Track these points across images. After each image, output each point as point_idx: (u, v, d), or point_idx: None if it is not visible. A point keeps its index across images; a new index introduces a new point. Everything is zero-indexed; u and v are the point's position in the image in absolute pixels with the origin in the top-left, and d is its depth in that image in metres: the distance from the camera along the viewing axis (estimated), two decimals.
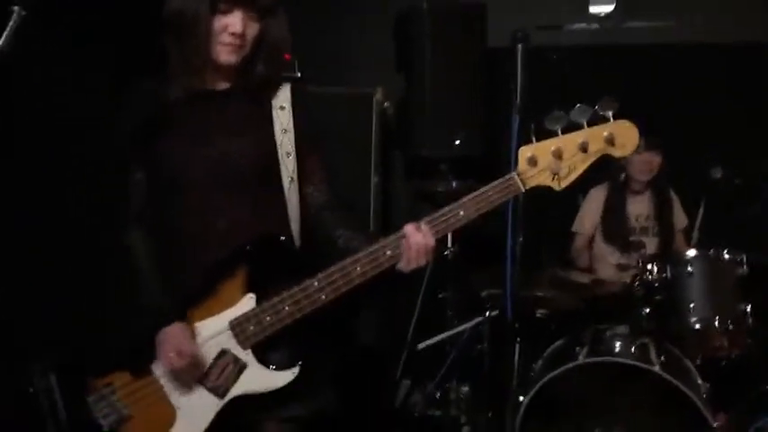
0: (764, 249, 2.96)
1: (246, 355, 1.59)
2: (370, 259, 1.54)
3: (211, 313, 1.61)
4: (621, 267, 3.21)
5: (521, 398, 2.62)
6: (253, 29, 1.61)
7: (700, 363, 2.75)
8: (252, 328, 1.58)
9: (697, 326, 2.76)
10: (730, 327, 2.74)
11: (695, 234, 3.32)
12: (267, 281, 1.58)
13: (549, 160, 1.53)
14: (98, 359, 1.66)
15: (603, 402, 2.57)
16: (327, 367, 1.74)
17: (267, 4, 1.61)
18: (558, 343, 2.93)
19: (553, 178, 1.54)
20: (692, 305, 2.77)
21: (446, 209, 1.55)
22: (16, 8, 1.38)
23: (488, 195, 1.53)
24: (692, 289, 2.79)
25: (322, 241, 1.71)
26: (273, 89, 1.71)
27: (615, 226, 3.42)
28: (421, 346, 3.31)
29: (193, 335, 1.60)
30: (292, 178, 1.68)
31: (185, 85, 1.64)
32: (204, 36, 1.58)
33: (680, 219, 3.51)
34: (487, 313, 3.14)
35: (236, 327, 1.59)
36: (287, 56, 1.75)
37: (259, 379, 1.59)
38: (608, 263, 3.41)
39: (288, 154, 1.67)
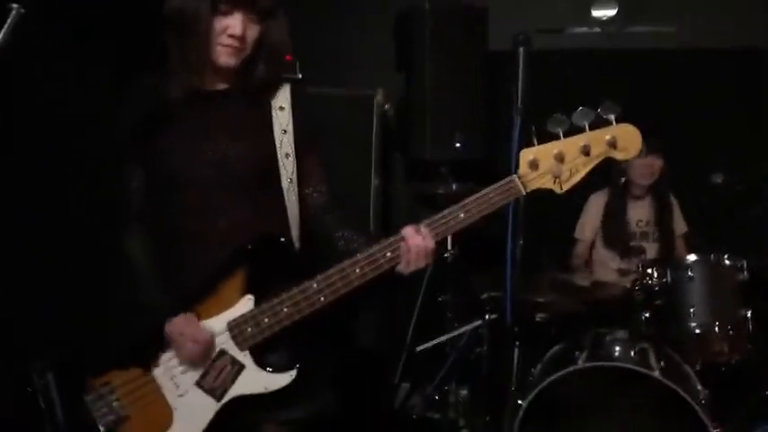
0: (765, 255, 2.95)
1: (244, 357, 1.58)
2: (369, 261, 1.53)
3: (210, 314, 1.60)
4: (622, 272, 3.20)
5: (519, 402, 2.61)
6: (253, 31, 1.61)
7: (699, 368, 2.75)
8: (250, 329, 1.57)
9: (697, 331, 2.76)
10: (730, 332, 2.73)
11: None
12: (266, 282, 1.58)
13: (550, 163, 1.52)
14: (96, 358, 1.65)
15: (603, 407, 2.56)
16: (326, 369, 1.73)
17: (268, 7, 1.61)
18: (557, 347, 2.93)
19: (555, 181, 1.53)
20: (692, 310, 2.77)
21: (446, 211, 1.54)
22: (15, 6, 1.38)
23: (489, 198, 1.53)
24: (692, 294, 2.79)
25: (322, 243, 1.70)
26: (273, 90, 1.70)
27: (615, 231, 3.42)
28: (420, 348, 3.30)
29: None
30: (291, 179, 1.68)
31: (185, 85, 1.64)
32: (204, 36, 1.58)
33: (679, 224, 3.50)
34: (487, 316, 3.14)
35: (235, 328, 1.58)
36: (288, 57, 1.74)
37: (257, 381, 1.58)
38: (608, 268, 3.41)
39: (287, 155, 1.67)
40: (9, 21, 1.38)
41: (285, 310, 1.55)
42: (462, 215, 1.53)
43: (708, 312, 2.75)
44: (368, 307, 3.26)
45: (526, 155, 1.53)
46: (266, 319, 1.56)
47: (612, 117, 1.51)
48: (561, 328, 3.05)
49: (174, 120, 1.65)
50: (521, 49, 2.56)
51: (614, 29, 3.85)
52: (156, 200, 1.68)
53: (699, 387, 2.62)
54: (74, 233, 2.67)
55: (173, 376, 1.61)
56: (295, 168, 1.68)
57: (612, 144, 1.51)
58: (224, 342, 1.58)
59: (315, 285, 1.54)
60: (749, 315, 2.75)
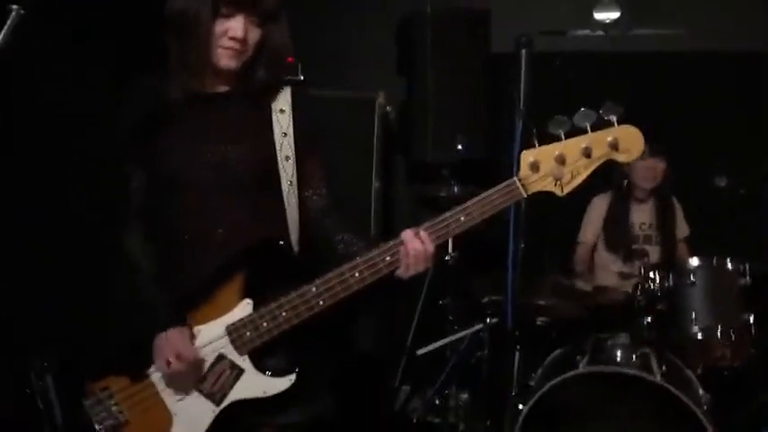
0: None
1: (243, 361, 1.57)
2: (368, 265, 1.52)
3: (208, 318, 1.59)
4: (623, 276, 3.20)
5: (520, 406, 2.60)
6: (254, 34, 1.60)
7: (701, 373, 2.74)
8: (249, 333, 1.56)
9: (699, 336, 2.75)
10: (733, 337, 2.72)
11: None
12: (265, 286, 1.57)
13: (551, 165, 1.50)
14: (96, 361, 1.65)
15: (604, 412, 2.55)
16: (325, 373, 1.73)
17: (269, 10, 1.60)
18: (558, 351, 2.92)
19: (556, 184, 1.51)
20: (694, 315, 2.76)
21: (447, 214, 1.53)
22: (15, 7, 1.37)
23: (490, 200, 1.51)
24: (694, 298, 2.78)
25: (321, 246, 1.69)
26: (273, 93, 1.69)
27: (618, 234, 3.41)
28: (421, 352, 3.29)
29: (192, 338, 1.58)
30: (291, 182, 1.67)
31: (184, 87, 1.63)
32: (204, 38, 1.57)
33: (682, 228, 3.49)
34: (488, 320, 3.13)
35: (233, 332, 1.57)
36: (290, 59, 1.73)
37: (256, 385, 1.57)
38: (610, 271, 3.40)
39: (287, 158, 1.66)
40: (9, 22, 1.37)
41: (284, 314, 1.54)
42: (463, 218, 1.51)
43: (710, 317, 2.74)
44: (367, 311, 3.25)
45: (527, 157, 1.51)
46: (265, 324, 1.55)
47: (614, 118, 1.49)
48: (562, 332, 3.04)
49: (174, 121, 1.64)
50: (523, 51, 2.55)
51: (616, 32, 3.85)
52: (156, 201, 1.67)
53: (701, 392, 2.60)
54: (74, 233, 2.67)
55: (172, 380, 1.59)
56: (295, 171, 1.67)
57: (614, 146, 1.49)
58: (223, 346, 1.58)
59: (314, 290, 1.53)
60: (752, 319, 2.74)
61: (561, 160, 1.50)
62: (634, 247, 3.35)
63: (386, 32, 3.84)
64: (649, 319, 2.77)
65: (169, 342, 1.55)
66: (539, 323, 3.07)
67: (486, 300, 3.15)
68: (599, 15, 3.84)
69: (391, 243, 1.53)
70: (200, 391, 1.58)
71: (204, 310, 1.59)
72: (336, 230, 1.67)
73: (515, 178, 1.52)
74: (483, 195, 1.51)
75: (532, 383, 2.76)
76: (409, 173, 3.94)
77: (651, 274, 2.82)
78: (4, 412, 1.97)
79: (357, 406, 2.83)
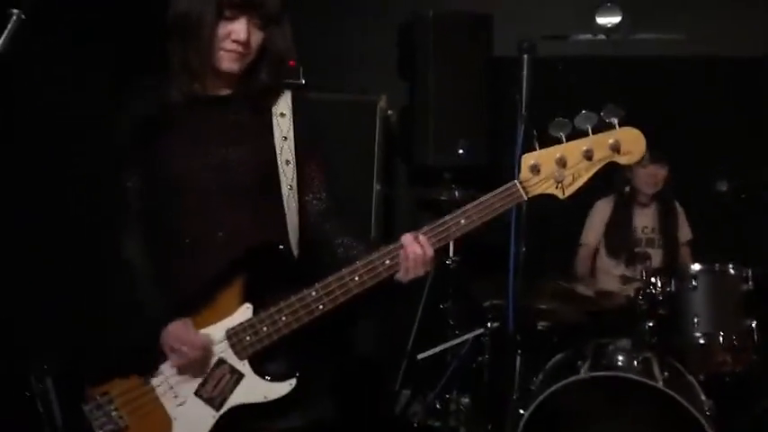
0: None
1: (243, 366, 1.57)
2: (368, 269, 1.52)
3: (208, 323, 1.59)
4: (625, 280, 3.19)
5: (521, 411, 2.59)
6: (257, 36, 1.59)
7: (703, 378, 2.72)
8: (248, 338, 1.55)
9: (701, 341, 2.74)
10: (735, 342, 2.71)
11: None
12: (265, 290, 1.56)
13: (552, 168, 1.50)
14: (96, 366, 1.64)
15: (605, 417, 2.54)
16: (325, 377, 1.72)
17: (272, 13, 1.59)
18: (559, 356, 2.91)
19: (557, 186, 1.51)
20: (695, 320, 2.75)
21: (447, 217, 1.52)
22: (15, 12, 1.36)
23: (490, 204, 1.51)
24: (696, 303, 2.77)
25: (321, 250, 1.69)
26: (274, 96, 1.69)
27: (620, 239, 3.41)
28: (421, 356, 3.28)
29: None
30: (291, 186, 1.66)
31: (185, 89, 1.62)
32: (207, 40, 1.56)
33: (684, 232, 3.49)
34: (489, 324, 3.12)
35: (233, 337, 1.56)
36: (292, 62, 1.73)
37: (256, 390, 1.57)
38: (611, 275, 3.39)
39: (287, 162, 1.66)
40: (9, 27, 1.37)
41: (284, 318, 1.53)
42: (463, 221, 1.50)
43: (712, 322, 2.73)
44: (367, 316, 3.25)
45: (527, 159, 1.50)
46: (265, 328, 1.54)
47: (615, 121, 1.48)
48: (564, 336, 3.03)
49: (175, 124, 1.63)
50: (525, 55, 2.55)
51: (618, 36, 3.85)
52: (156, 203, 1.67)
53: (703, 398, 2.59)
54: (74, 235, 2.67)
55: (171, 386, 1.59)
56: (295, 175, 1.66)
57: (616, 148, 1.48)
58: (222, 351, 1.57)
59: (313, 294, 1.52)
60: (754, 325, 2.73)
61: (562, 163, 1.49)
62: (636, 250, 3.35)
63: (388, 36, 3.84)
64: (651, 324, 2.77)
65: (175, 335, 1.55)
66: (540, 327, 3.07)
67: (487, 304, 3.14)
68: (601, 20, 3.84)
69: (391, 247, 1.52)
70: (200, 396, 1.58)
71: (204, 315, 1.59)
72: (336, 234, 1.67)
73: (516, 181, 1.51)
74: (484, 198, 1.51)
75: (533, 388, 2.75)
76: (410, 176, 3.93)
77: (653, 279, 2.81)
78: (5, 415, 1.97)
79: (358, 410, 2.82)
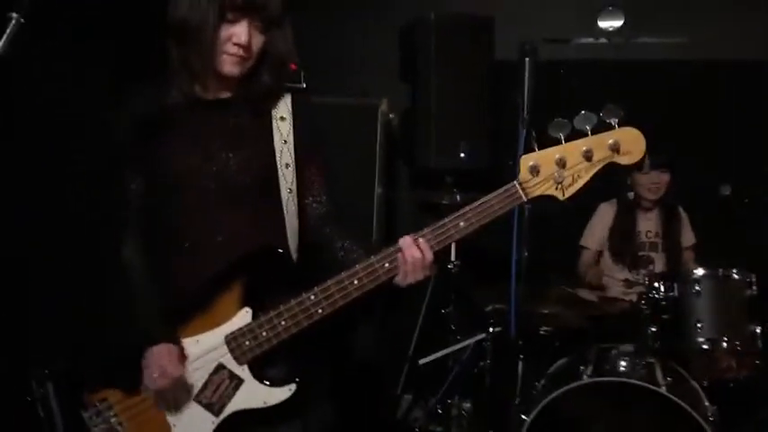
0: None
1: (243, 371, 1.56)
2: (367, 273, 1.50)
3: (207, 328, 1.57)
4: (628, 284, 3.17)
5: (523, 416, 2.57)
6: (258, 39, 1.58)
7: (707, 384, 2.70)
8: (248, 343, 1.54)
9: (704, 346, 2.72)
10: (739, 348, 2.69)
11: None
12: (264, 295, 1.56)
13: (552, 169, 1.48)
14: (95, 372, 1.63)
15: (608, 423, 2.52)
16: (325, 382, 1.71)
17: (274, 16, 1.58)
18: (561, 361, 2.89)
19: (557, 188, 1.49)
20: (699, 325, 2.72)
21: (446, 219, 1.51)
22: (15, 15, 1.36)
23: (490, 205, 1.49)
24: (699, 308, 2.75)
25: (321, 254, 1.67)
26: (275, 100, 1.68)
27: (624, 243, 3.39)
28: (423, 361, 3.27)
29: (183, 355, 1.56)
30: (291, 190, 1.65)
31: (186, 89, 1.62)
32: (209, 44, 1.55)
33: (687, 236, 3.47)
34: (491, 329, 3.10)
35: (232, 341, 1.55)
36: (293, 66, 1.72)
37: (256, 395, 1.55)
38: (614, 278, 3.37)
39: (287, 165, 1.64)
40: (9, 30, 1.36)
41: (283, 323, 1.52)
42: (462, 223, 1.49)
43: (715, 327, 2.71)
44: (366, 319, 3.24)
45: (526, 160, 1.49)
46: (264, 333, 1.53)
47: (615, 121, 1.47)
48: (566, 341, 3.01)
49: (175, 127, 1.63)
50: (527, 58, 2.54)
51: (620, 40, 3.84)
52: (155, 206, 1.66)
53: (706, 403, 2.57)
54: (73, 233, 2.66)
55: (161, 396, 1.57)
56: (295, 179, 1.65)
57: (615, 148, 1.46)
58: (221, 356, 1.56)
59: (312, 297, 1.51)
60: (758, 331, 2.71)
61: (562, 163, 1.48)
62: (640, 254, 3.34)
63: (389, 39, 3.83)
64: (654, 329, 2.74)
65: (155, 358, 1.54)
66: (542, 332, 3.05)
67: (489, 308, 3.13)
68: (603, 23, 3.83)
69: (390, 249, 1.51)
70: (199, 402, 1.57)
71: (202, 319, 1.58)
72: (336, 238, 1.65)
73: (515, 182, 1.50)
74: (483, 200, 1.49)
75: (536, 393, 2.73)
76: (412, 179, 3.93)
77: (656, 284, 2.80)
78: (5, 419, 1.96)
79: (359, 415, 2.81)
